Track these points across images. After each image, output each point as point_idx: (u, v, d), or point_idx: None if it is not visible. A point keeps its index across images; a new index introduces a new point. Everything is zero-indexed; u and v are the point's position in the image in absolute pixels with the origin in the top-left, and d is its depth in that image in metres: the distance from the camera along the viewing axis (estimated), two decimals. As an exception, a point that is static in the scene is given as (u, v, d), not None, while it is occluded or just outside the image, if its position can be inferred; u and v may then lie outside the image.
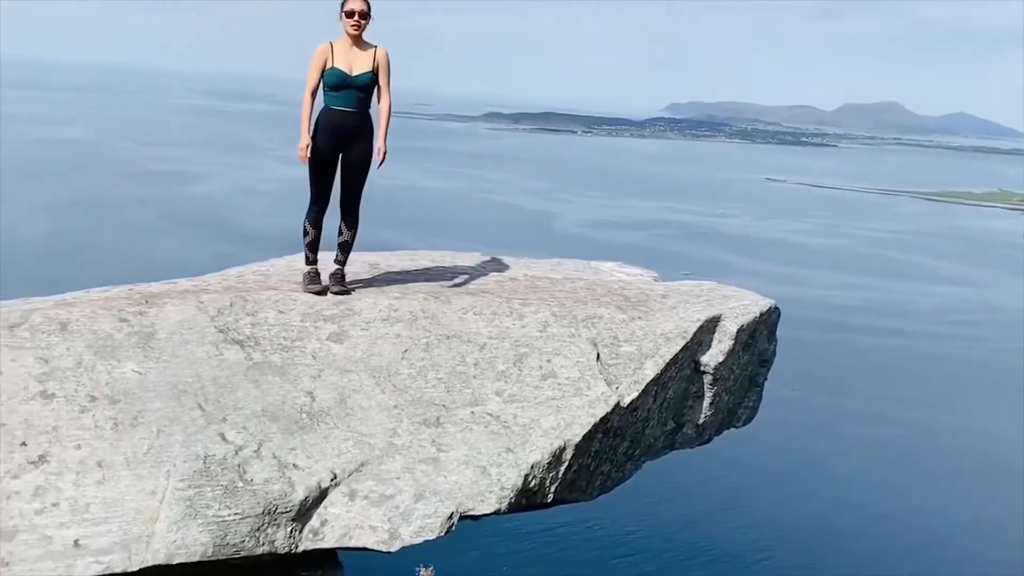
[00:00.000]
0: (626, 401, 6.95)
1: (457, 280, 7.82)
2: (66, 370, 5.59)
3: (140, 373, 5.74)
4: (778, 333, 8.61)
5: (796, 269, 72.22)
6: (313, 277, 6.90)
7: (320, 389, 6.12)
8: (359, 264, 7.97)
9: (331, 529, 5.52)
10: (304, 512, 5.48)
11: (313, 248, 7.03)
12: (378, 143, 6.77)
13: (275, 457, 5.65)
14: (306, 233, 7.02)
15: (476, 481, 5.83)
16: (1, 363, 5.49)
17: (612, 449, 7.09)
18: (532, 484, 6.03)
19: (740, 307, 8.14)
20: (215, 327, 6.14)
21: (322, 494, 5.59)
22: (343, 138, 6.72)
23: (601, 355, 7.12)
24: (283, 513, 5.40)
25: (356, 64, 6.65)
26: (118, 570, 4.98)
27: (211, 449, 5.53)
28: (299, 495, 5.50)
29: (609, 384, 6.90)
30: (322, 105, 6.73)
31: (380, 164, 6.82)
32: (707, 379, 7.91)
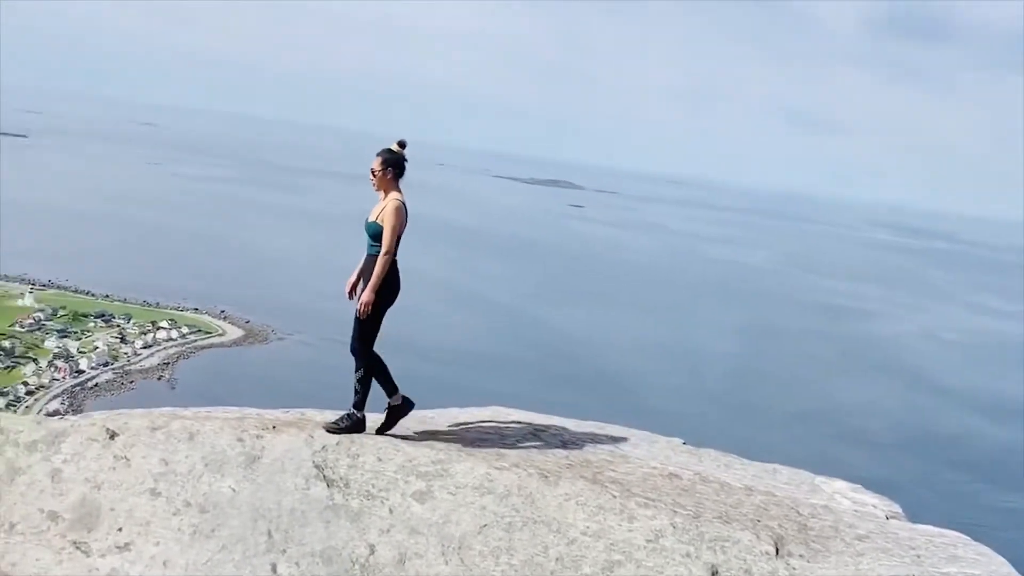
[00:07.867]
0: (733, 652, 5.73)
1: (596, 464, 7.18)
2: (178, 475, 6.41)
3: (235, 491, 6.34)
4: None
5: None
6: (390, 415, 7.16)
7: (383, 544, 6.11)
8: (522, 424, 7.82)
9: None
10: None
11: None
12: (364, 294, 6.84)
13: (309, 600, 5.77)
14: None
15: None
16: (134, 457, 6.51)
17: None
18: None
19: None
20: (313, 462, 6.54)
21: (333, 650, 5.55)
22: (360, 280, 7.08)
23: (718, 587, 5.99)
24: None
25: (373, 213, 7.10)
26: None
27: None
28: (309, 643, 5.53)
29: (714, 625, 5.77)
30: None
31: (358, 315, 6.83)
32: (893, 659, 6.13)
